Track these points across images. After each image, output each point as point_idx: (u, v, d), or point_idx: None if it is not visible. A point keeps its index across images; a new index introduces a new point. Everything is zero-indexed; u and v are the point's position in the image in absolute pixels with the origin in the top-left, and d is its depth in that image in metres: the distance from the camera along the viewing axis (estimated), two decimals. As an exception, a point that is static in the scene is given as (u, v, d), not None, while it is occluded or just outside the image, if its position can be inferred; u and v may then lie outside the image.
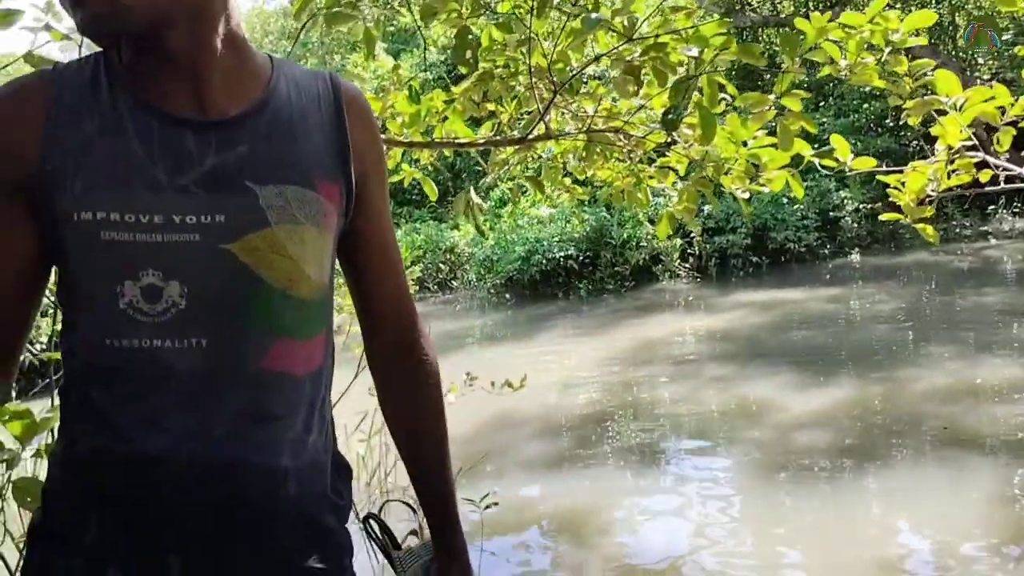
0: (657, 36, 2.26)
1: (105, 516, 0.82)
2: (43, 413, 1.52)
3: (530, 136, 2.57)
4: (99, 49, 0.85)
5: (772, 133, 2.56)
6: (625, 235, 11.78)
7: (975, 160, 2.50)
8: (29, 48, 1.71)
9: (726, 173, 2.78)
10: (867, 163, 2.58)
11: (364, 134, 0.93)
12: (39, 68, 0.89)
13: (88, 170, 0.78)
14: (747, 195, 2.77)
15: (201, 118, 0.82)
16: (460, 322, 11.00)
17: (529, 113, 2.97)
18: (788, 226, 11.89)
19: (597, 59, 2.40)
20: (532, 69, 2.60)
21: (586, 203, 11.28)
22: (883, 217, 2.72)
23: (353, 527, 0.98)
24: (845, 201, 12.23)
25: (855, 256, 12.09)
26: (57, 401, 1.16)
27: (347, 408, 2.84)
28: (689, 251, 11.92)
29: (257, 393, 0.84)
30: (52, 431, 1.52)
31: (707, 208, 10.34)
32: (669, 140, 2.80)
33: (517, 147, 2.69)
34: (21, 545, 1.45)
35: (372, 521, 1.08)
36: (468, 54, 2.47)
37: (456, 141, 2.65)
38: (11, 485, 1.41)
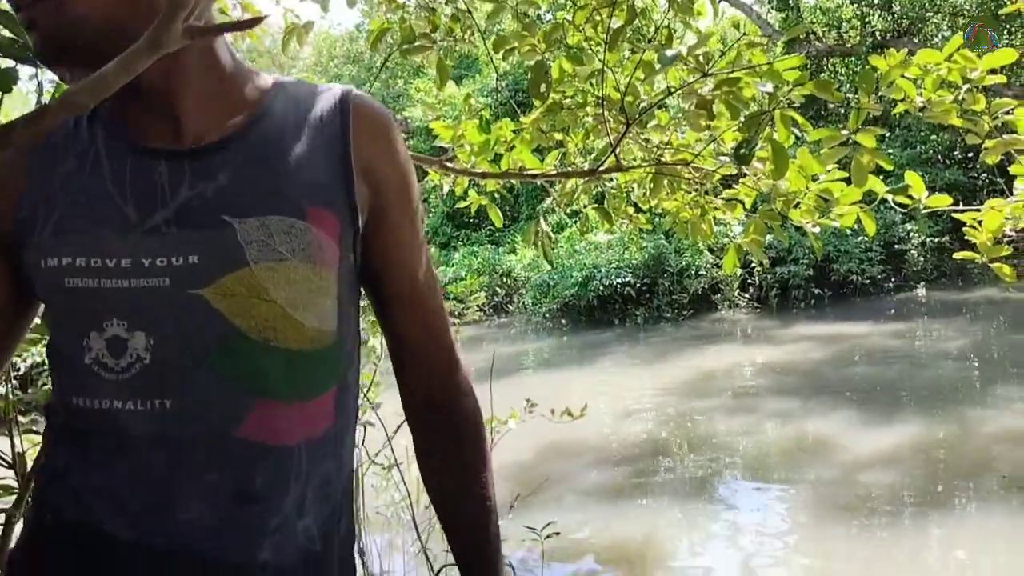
0: (732, 71, 2.28)
1: None
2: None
3: (601, 168, 2.60)
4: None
5: (842, 167, 2.56)
6: (684, 263, 11.70)
7: (1056, 200, 2.45)
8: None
9: (795, 206, 2.77)
10: (943, 200, 2.54)
11: (378, 152, 0.80)
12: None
13: (60, 214, 0.71)
14: (817, 229, 2.76)
15: (175, 148, 0.73)
16: (515, 346, 11.02)
17: (596, 139, 3.01)
18: (852, 258, 11.66)
19: (670, 94, 2.43)
20: (603, 101, 2.64)
21: (644, 230, 11.25)
22: (958, 256, 2.67)
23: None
24: (911, 234, 11.95)
25: (920, 290, 11.78)
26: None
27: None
28: (749, 281, 11.78)
29: (231, 468, 0.70)
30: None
31: (769, 238, 10.20)
32: (737, 172, 2.81)
33: (586, 179, 2.72)
34: None
35: None
36: (543, 87, 2.53)
37: (527, 172, 2.70)
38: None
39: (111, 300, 0.69)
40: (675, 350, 9.48)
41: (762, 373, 8.03)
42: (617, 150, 2.65)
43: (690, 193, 3.07)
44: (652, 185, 2.95)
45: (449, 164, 2.70)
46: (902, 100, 2.40)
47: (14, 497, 1.46)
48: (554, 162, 3.05)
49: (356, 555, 0.82)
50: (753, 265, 11.32)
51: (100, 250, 0.69)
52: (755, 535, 4.08)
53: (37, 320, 0.84)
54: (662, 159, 2.81)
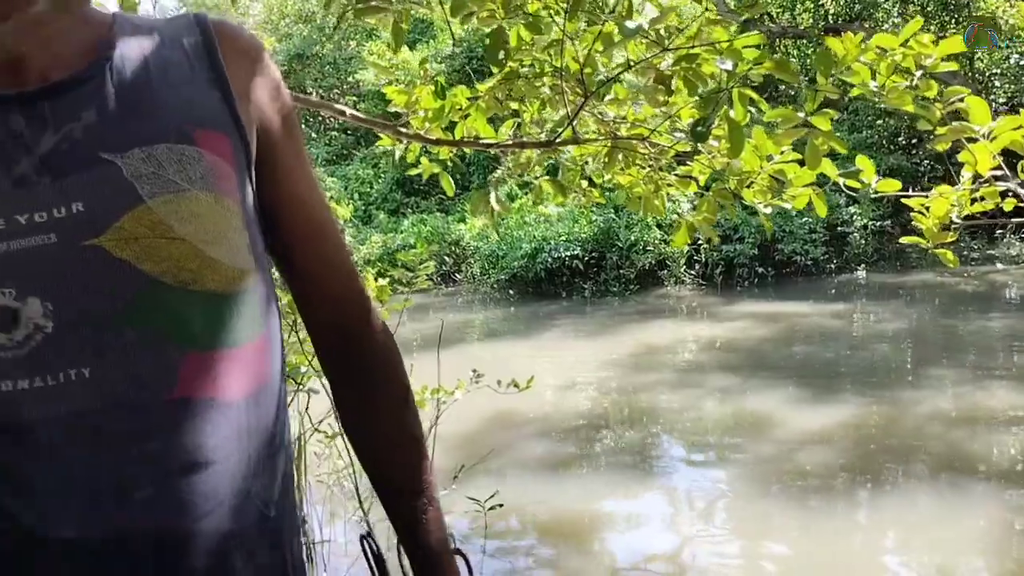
0: (692, 47, 2.25)
1: None
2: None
3: (557, 140, 2.56)
4: None
5: (796, 148, 2.56)
6: (632, 238, 11.77)
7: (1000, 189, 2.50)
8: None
9: (748, 186, 2.77)
10: (892, 185, 2.57)
11: (252, 74, 0.74)
12: None
13: None
14: (769, 210, 2.77)
15: (24, 89, 0.63)
16: (462, 315, 11.00)
17: (552, 111, 2.97)
18: (796, 239, 11.87)
19: (630, 67, 2.39)
20: (562, 72, 2.59)
21: (595, 204, 11.25)
22: (904, 240, 2.71)
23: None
24: (854, 217, 12.22)
25: (861, 273, 12.08)
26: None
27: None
28: (695, 258, 11.91)
29: (175, 433, 0.63)
30: None
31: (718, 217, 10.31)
32: (692, 149, 2.80)
33: (542, 150, 2.68)
34: None
35: (368, 541, 0.84)
36: (500, 55, 2.47)
37: (482, 141, 2.64)
38: None
39: None
40: (621, 324, 9.56)
41: (704, 349, 8.16)
42: (574, 122, 2.62)
43: (644, 168, 3.06)
44: (607, 159, 2.93)
45: (403, 129, 2.63)
46: (858, 84, 2.41)
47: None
48: (509, 132, 3.00)
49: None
50: (700, 242, 11.44)
51: None
52: (693, 510, 4.16)
53: None
54: (618, 133, 2.79)
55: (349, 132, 19.80)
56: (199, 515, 0.63)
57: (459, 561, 0.83)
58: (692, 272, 11.99)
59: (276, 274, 0.83)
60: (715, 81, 2.41)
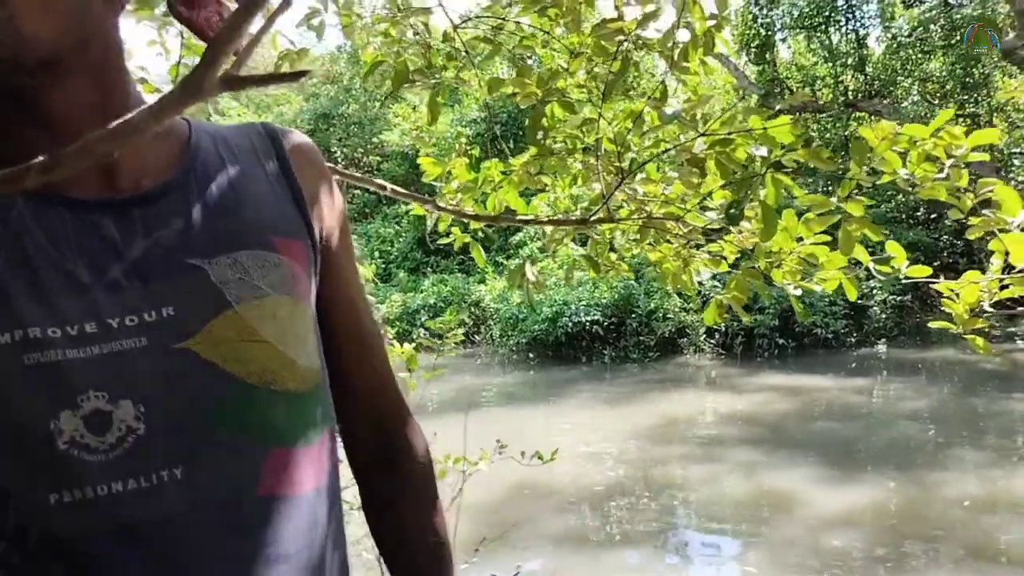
0: (729, 134, 2.31)
1: None
2: None
3: (591, 218, 2.61)
4: None
5: (829, 232, 2.59)
6: (652, 305, 11.78)
7: (1032, 278, 2.50)
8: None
9: (777, 266, 2.80)
10: (922, 271, 2.58)
11: (318, 183, 0.77)
12: None
13: None
14: (799, 292, 2.79)
15: (117, 197, 0.65)
16: (480, 378, 10.98)
17: (584, 187, 3.02)
18: (816, 311, 11.84)
19: (666, 151, 2.45)
20: (597, 150, 2.66)
21: (615, 271, 11.30)
22: (933, 324, 2.72)
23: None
24: (874, 291, 12.19)
25: (881, 347, 11.99)
26: None
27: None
28: (715, 327, 11.88)
29: (263, 529, 0.65)
30: None
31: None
32: (723, 228, 2.84)
33: (576, 227, 2.73)
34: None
35: None
36: (540, 134, 2.54)
37: (519, 218, 2.69)
38: None
39: (82, 371, 0.60)
40: (640, 392, 9.50)
41: (725, 422, 8.08)
42: (608, 202, 2.67)
43: (674, 244, 3.10)
44: (638, 235, 2.97)
45: (443, 205, 2.69)
46: (889, 173, 2.45)
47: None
48: (539, 204, 3.05)
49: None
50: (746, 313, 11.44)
51: (58, 319, 0.60)
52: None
53: None
54: (650, 211, 2.83)
55: (371, 192, 20.13)
56: None
57: None
58: (712, 341, 11.95)
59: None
60: (748, 164, 2.46)
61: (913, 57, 16.42)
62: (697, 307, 11.52)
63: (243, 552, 0.64)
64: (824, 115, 17.22)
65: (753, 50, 17.83)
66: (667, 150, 2.49)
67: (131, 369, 0.61)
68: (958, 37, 15.55)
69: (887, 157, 2.48)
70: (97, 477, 0.59)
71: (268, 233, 0.69)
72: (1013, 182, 15.93)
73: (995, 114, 16.21)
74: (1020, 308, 2.65)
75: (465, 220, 2.86)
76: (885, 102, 16.39)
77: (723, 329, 11.87)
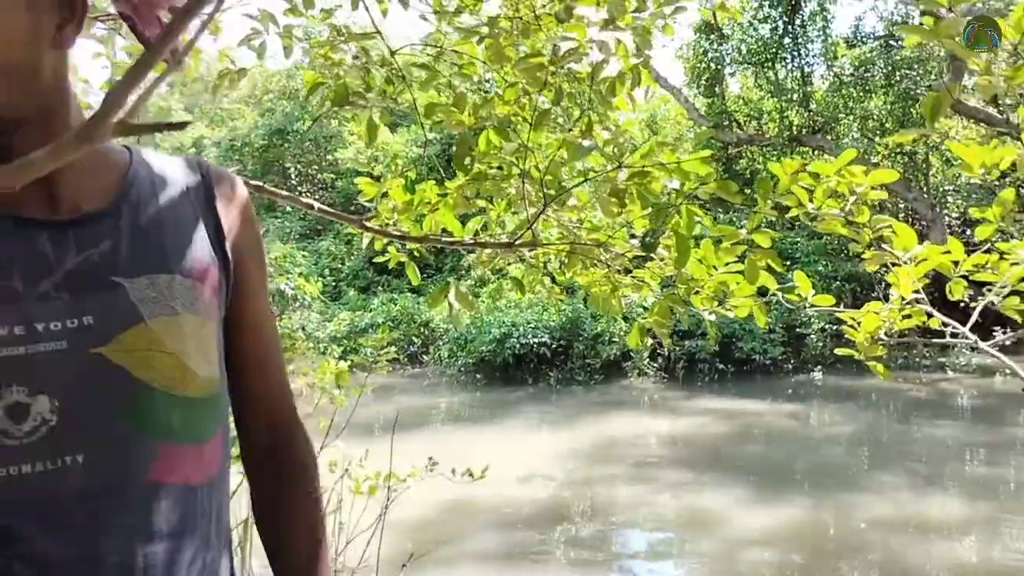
0: (644, 167, 2.44)
1: None
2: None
3: (517, 241, 2.72)
4: None
5: (742, 259, 2.74)
6: (599, 328, 11.95)
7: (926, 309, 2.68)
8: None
9: (696, 293, 2.94)
10: (826, 300, 2.75)
11: (237, 215, 0.89)
12: None
13: None
14: (714, 317, 2.92)
15: (56, 218, 0.75)
16: (428, 398, 11.00)
17: (516, 212, 3.14)
18: (755, 337, 12.14)
19: (586, 180, 2.58)
20: (524, 176, 2.77)
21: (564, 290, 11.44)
22: (838, 351, 2.88)
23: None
24: (812, 319, 12.54)
25: (817, 374, 12.33)
26: None
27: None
28: (659, 351, 12.10)
29: (148, 510, 0.75)
30: None
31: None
32: (645, 255, 2.97)
33: (503, 250, 2.83)
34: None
35: None
36: (468, 160, 2.65)
37: (446, 240, 2.79)
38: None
39: (8, 368, 0.70)
40: (584, 414, 9.63)
41: (664, 444, 8.24)
42: (534, 226, 2.78)
43: (602, 270, 3.22)
44: (567, 260, 3.09)
45: (368, 224, 2.78)
46: (796, 206, 2.61)
47: None
48: (476, 227, 3.16)
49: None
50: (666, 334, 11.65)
51: None
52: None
53: None
54: (578, 237, 2.95)
55: (329, 205, 20.05)
56: None
57: None
58: (655, 365, 12.16)
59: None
60: (666, 195, 2.60)
61: (855, 95, 17.02)
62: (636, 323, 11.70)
63: (130, 528, 0.74)
64: (769, 148, 17.73)
65: (703, 83, 18.30)
66: (587, 179, 2.61)
67: (50, 367, 0.71)
68: (898, 77, 16.19)
69: (795, 191, 2.64)
70: (13, 459, 0.69)
71: (185, 260, 0.80)
72: (948, 217, 16.56)
73: (931, 152, 16.86)
74: (914, 339, 2.83)
75: (395, 240, 2.95)
76: (828, 138, 16.95)
77: (666, 354, 12.09)
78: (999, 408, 9.93)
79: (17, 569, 0.70)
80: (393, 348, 3.66)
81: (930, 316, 2.69)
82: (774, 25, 17.50)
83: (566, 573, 4.65)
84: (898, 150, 16.57)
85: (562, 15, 2.64)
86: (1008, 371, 11.01)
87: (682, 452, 7.75)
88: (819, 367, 12.50)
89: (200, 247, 0.83)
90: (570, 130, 2.61)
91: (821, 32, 17.67)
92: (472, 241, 2.86)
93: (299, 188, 21.04)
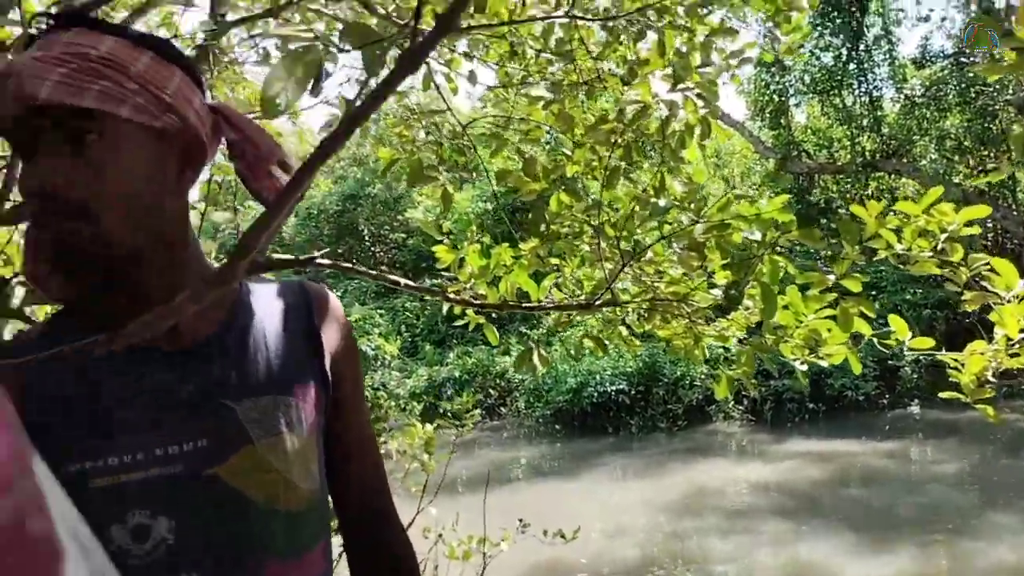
0: (722, 221, 2.40)
1: None
2: None
3: (596, 302, 2.69)
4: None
5: (831, 305, 2.65)
6: (678, 373, 11.73)
7: (1036, 347, 2.53)
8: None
9: (785, 341, 2.85)
10: (925, 343, 2.63)
11: (336, 335, 0.94)
12: None
13: (70, 423, 0.76)
14: (805, 366, 2.83)
15: (173, 349, 0.81)
16: (507, 452, 10.93)
17: (591, 268, 3.12)
18: (846, 373, 11.69)
19: (664, 238, 2.55)
20: (599, 234, 2.75)
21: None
22: (944, 395, 2.74)
23: None
24: (905, 351, 12.03)
25: (915, 408, 11.77)
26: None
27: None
28: (744, 393, 11.78)
29: None
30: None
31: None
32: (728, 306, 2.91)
33: (582, 311, 2.81)
34: None
35: None
36: (543, 226, 2.66)
37: (525, 305, 2.79)
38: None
39: (132, 492, 0.75)
40: (669, 462, 9.40)
41: (757, 492, 7.95)
42: (612, 285, 2.76)
43: (683, 321, 3.16)
44: (646, 314, 3.05)
45: (451, 295, 2.80)
46: (885, 248, 2.52)
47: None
48: (550, 286, 3.15)
49: None
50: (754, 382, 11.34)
51: (116, 449, 0.75)
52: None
53: None
54: (656, 290, 2.91)
55: (398, 265, 20.44)
56: None
57: None
58: (741, 407, 11.83)
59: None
60: (747, 245, 2.54)
61: (929, 116, 16.54)
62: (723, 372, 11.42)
63: None
64: (843, 176, 17.32)
65: (768, 115, 18.09)
66: (666, 237, 2.58)
67: (168, 490, 0.76)
68: (973, 94, 15.68)
69: (882, 233, 2.55)
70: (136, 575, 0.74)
71: (288, 381, 0.86)
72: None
73: (1017, 167, 16.19)
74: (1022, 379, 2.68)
75: (478, 309, 2.96)
76: (903, 161, 16.47)
77: (752, 395, 11.76)
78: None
79: None
80: (477, 412, 3.66)
81: (1041, 352, 2.55)
82: (837, 52, 17.23)
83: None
84: (980, 167, 15.96)
85: (627, 77, 2.65)
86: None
87: (776, 499, 7.47)
88: (916, 401, 11.94)
89: (301, 368, 0.88)
90: (644, 190, 2.59)
91: (887, 55, 17.32)
92: (551, 305, 2.85)
93: (372, 248, 21.54)
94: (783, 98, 17.99)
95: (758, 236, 2.43)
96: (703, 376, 11.63)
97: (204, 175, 2.50)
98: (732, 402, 11.76)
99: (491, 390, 13.94)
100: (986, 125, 15.35)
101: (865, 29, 16.95)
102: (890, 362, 12.13)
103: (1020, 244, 14.63)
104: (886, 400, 11.95)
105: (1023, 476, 7.86)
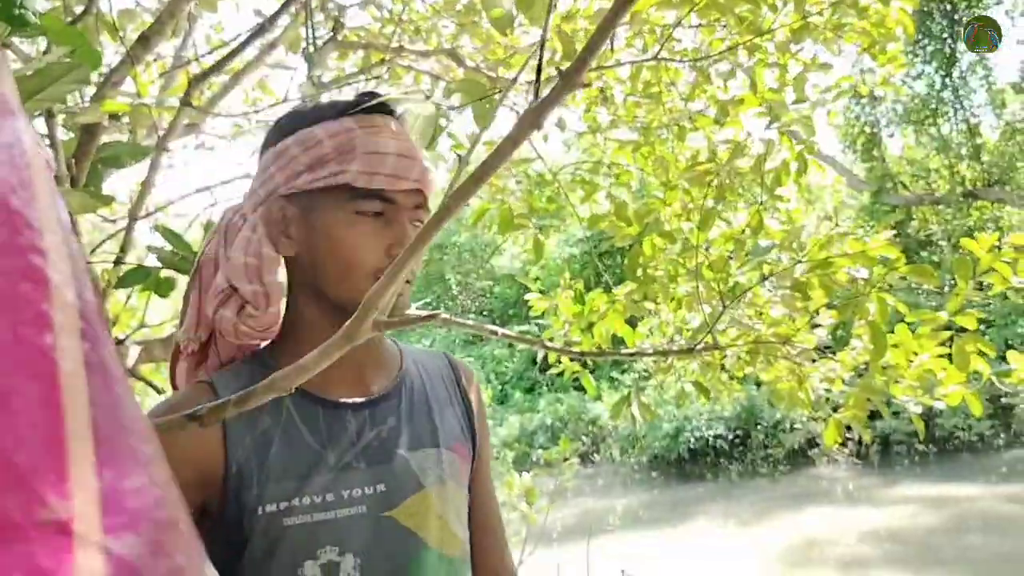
0: (826, 258, 2.34)
1: None
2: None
3: (698, 347, 2.65)
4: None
5: (945, 343, 2.54)
6: (778, 416, 11.35)
7: None
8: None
9: (896, 382, 2.73)
10: (1052, 382, 2.48)
11: (476, 398, 1.05)
12: (196, 385, 0.95)
13: (268, 466, 0.84)
14: (919, 408, 2.70)
15: (357, 400, 0.91)
16: (603, 500, 10.74)
17: (686, 311, 3.07)
18: (957, 412, 11.09)
19: (765, 278, 2.50)
20: (697, 276, 2.72)
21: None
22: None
23: None
24: (1019, 387, 11.35)
25: (1034, 448, 11.05)
26: None
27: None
28: (848, 435, 11.29)
29: None
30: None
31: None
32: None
33: (683, 356, 2.77)
34: None
35: None
36: (639, 270, 2.64)
37: (625, 352, 2.76)
38: None
39: (323, 531, 0.83)
40: (773, 510, 9.06)
41: (867, 539, 7.56)
42: (713, 329, 2.71)
43: (785, 363, 3.07)
44: (748, 357, 2.97)
45: (549, 344, 2.80)
46: (997, 282, 2.40)
47: None
48: (646, 331, 3.11)
49: None
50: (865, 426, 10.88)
51: (310, 491, 0.84)
52: None
53: None
54: (758, 333, 2.84)
55: (485, 313, 20.61)
56: None
57: None
58: (846, 450, 11.33)
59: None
60: (851, 283, 2.47)
61: (1031, 140, 15.79)
62: (827, 415, 11.00)
63: None
64: (942, 207, 16.63)
65: (860, 147, 17.60)
66: (767, 277, 2.53)
67: (354, 530, 0.84)
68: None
69: (996, 267, 2.44)
70: None
71: (448, 437, 0.96)
72: None
73: None
74: None
75: (580, 359, 2.95)
76: (1006, 189, 15.71)
77: (857, 437, 11.25)
78: None
79: None
80: (575, 461, 3.63)
81: None
82: (930, 81, 16.70)
83: None
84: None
85: (720, 116, 2.63)
86: None
87: (891, 548, 7.07)
88: (1035, 441, 11.21)
89: (457, 426, 0.99)
90: (743, 230, 2.56)
91: (983, 81, 16.66)
92: (652, 351, 2.82)
93: (459, 296, 21.80)
94: (875, 129, 17.49)
95: (864, 274, 2.35)
96: (805, 419, 11.22)
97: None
98: (836, 445, 11.28)
99: (584, 437, 13.79)
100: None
101: (959, 56, 16.39)
102: (1003, 400, 11.44)
103: None
104: (1001, 440, 11.25)
105: None
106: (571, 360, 3.33)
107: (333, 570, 0.83)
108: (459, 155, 2.46)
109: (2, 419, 0.21)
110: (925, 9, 15.51)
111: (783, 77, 2.75)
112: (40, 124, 1.42)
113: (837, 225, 2.33)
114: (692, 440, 11.36)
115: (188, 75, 2.18)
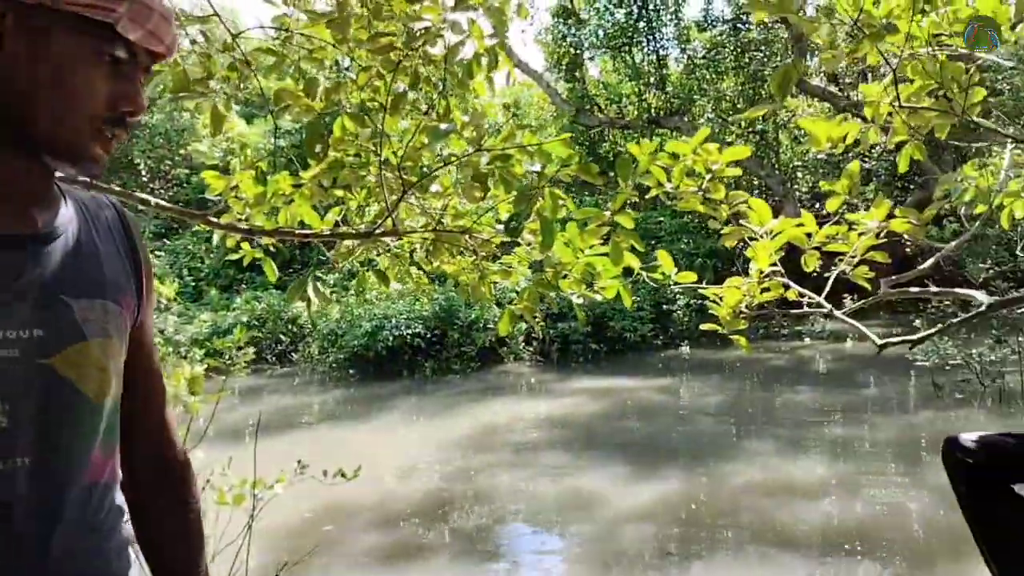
0: (504, 149, 2.38)
1: None
2: None
3: (377, 231, 2.60)
4: None
5: (605, 242, 2.73)
6: (473, 316, 11.92)
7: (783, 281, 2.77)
8: None
9: (564, 277, 2.91)
10: (688, 277, 2.79)
11: (144, 255, 1.02)
12: None
13: None
14: (582, 300, 2.91)
15: (19, 232, 0.83)
16: (299, 398, 10.64)
17: (376, 201, 3.01)
18: (625, 316, 12.46)
19: (445, 164, 2.49)
20: (383, 163, 2.65)
21: (435, 280, 11.35)
22: (703, 327, 2.94)
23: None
24: (677, 296, 13.01)
25: (685, 348, 12.80)
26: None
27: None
28: (533, 335, 12.21)
29: (87, 507, 0.86)
30: None
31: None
32: (512, 241, 2.92)
33: (362, 241, 2.71)
34: None
35: None
36: (319, 148, 2.50)
37: (302, 232, 2.64)
38: None
39: None
40: (461, 403, 9.58)
41: (542, 427, 8.31)
42: (394, 214, 2.67)
43: (469, 257, 3.15)
44: (433, 248, 2.99)
45: (215, 219, 2.58)
46: (656, 186, 2.63)
47: None
48: (335, 218, 3.00)
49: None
50: (537, 320, 11.76)
51: None
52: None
53: None
54: (442, 224, 2.86)
55: (180, 204, 19.05)
56: (103, 563, 0.90)
57: None
58: (531, 349, 12.26)
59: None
60: (529, 179, 2.54)
61: (708, 77, 17.71)
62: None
63: (76, 523, 0.85)
64: (630, 131, 18.21)
65: (563, 67, 18.55)
66: (447, 163, 2.53)
67: (4, 374, 0.79)
68: (747, 59, 16.95)
69: (653, 171, 2.64)
70: None
71: (114, 289, 0.92)
72: (797, 192, 17.54)
73: (780, 130, 17.79)
74: (773, 310, 2.91)
75: (248, 236, 2.76)
76: (685, 119, 17.57)
77: (541, 337, 12.22)
78: (851, 371, 10.62)
79: None
80: (252, 348, 3.45)
81: (787, 288, 2.79)
82: (629, 9, 17.93)
83: (449, 567, 4.58)
84: (750, 129, 17.37)
85: (413, -5, 2.53)
86: (856, 335, 11.77)
87: (559, 434, 7.84)
88: (686, 341, 12.98)
89: (124, 278, 0.95)
90: (426, 114, 2.51)
91: (674, 16, 18.26)
92: (329, 233, 2.72)
93: (151, 185, 19.86)
94: (578, 51, 18.50)
95: (537, 168, 2.43)
96: (496, 319, 11.91)
97: None
98: (523, 344, 12.16)
99: (282, 336, 13.46)
100: (757, 89, 16.67)
101: (655, -12, 17.73)
102: (664, 306, 13.07)
103: (780, 200, 16.15)
104: (660, 341, 12.88)
105: (773, 407, 8.79)
106: (251, 246, 3.13)
107: None
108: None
109: None
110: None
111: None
112: None
113: (517, 118, 2.35)
114: (391, 338, 11.57)
115: None
